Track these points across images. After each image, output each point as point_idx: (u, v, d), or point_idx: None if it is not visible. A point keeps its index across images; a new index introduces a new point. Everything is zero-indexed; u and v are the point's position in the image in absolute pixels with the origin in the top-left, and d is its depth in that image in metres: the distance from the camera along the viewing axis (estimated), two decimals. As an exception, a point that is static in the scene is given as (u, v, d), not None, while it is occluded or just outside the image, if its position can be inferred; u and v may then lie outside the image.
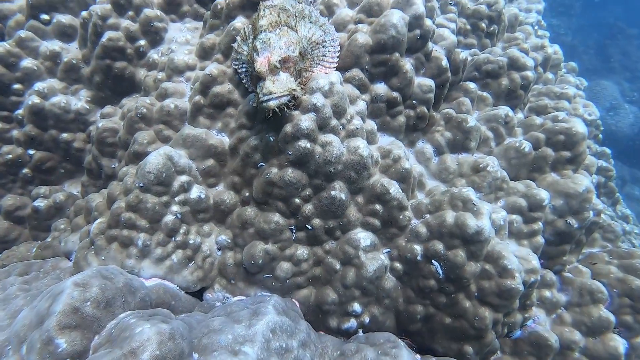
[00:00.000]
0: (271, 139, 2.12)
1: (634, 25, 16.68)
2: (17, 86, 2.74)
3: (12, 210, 2.85)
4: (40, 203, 2.71)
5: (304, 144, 1.99)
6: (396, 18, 2.18)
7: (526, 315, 2.37)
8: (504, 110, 2.57)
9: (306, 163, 2.04)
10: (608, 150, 4.85)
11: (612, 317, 2.33)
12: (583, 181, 2.37)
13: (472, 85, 2.68)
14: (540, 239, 2.33)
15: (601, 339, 2.33)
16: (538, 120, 2.62)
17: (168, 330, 1.57)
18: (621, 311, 2.50)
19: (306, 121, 1.98)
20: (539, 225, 2.32)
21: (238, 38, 2.33)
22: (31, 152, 2.82)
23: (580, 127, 2.46)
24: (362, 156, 2.06)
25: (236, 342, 1.73)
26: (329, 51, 2.21)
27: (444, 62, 2.39)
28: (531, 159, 2.52)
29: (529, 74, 2.80)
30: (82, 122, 2.83)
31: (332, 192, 2.09)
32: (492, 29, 3.21)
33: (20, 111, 2.77)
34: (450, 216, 2.06)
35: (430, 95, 2.38)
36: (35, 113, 2.71)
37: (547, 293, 2.45)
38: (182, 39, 2.78)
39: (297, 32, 2.12)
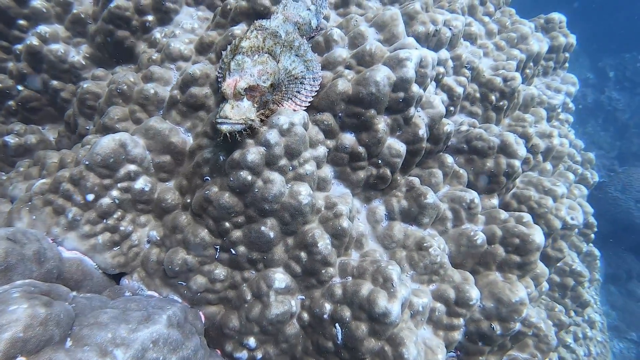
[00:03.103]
0: (221, 158, 2.13)
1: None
2: (22, 22, 2.81)
3: (-10, 135, 2.96)
4: (11, 140, 2.80)
5: (244, 174, 1.99)
6: (380, 76, 2.12)
7: (421, 401, 2.34)
8: (471, 195, 2.50)
9: (244, 193, 2.05)
10: (597, 252, 4.68)
11: None
12: (520, 292, 2.30)
13: (449, 160, 2.61)
14: (456, 335, 2.28)
15: None
16: (503, 215, 2.54)
17: (43, 315, 1.62)
18: None
19: (253, 154, 1.97)
20: (460, 321, 2.27)
21: (228, 48, 2.32)
22: (20, 88, 2.91)
23: (538, 238, 2.37)
24: (301, 203, 2.05)
25: (113, 342, 1.77)
26: (305, 89, 2.19)
27: (421, 132, 2.33)
28: (481, 252, 2.45)
29: (516, 163, 2.71)
30: (75, 75, 2.89)
31: (262, 228, 2.09)
32: (501, 103, 3.10)
33: (19, 46, 2.85)
34: (366, 289, 2.03)
35: (397, 160, 2.33)
36: (31, 54, 2.78)
37: (450, 387, 2.41)
38: (189, 26, 2.79)
39: (278, 61, 2.10)
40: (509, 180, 2.78)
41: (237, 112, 1.91)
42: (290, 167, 2.09)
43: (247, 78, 1.94)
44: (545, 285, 2.74)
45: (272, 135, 2.00)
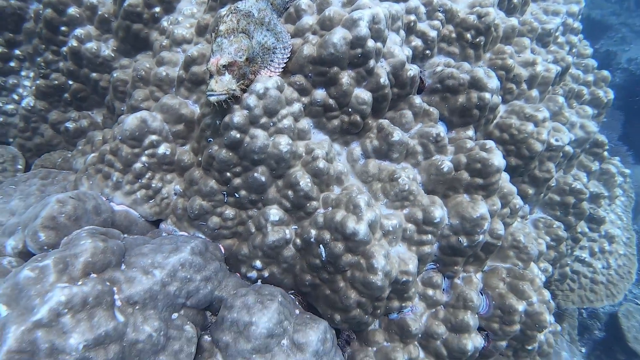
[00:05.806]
0: (217, 122, 2.66)
1: None
2: (63, 28, 3.47)
3: (55, 122, 3.74)
4: (70, 125, 3.56)
5: (234, 134, 2.52)
6: (336, 38, 2.49)
7: (403, 304, 2.85)
8: (436, 130, 2.84)
9: (237, 148, 2.58)
10: (613, 169, 4.73)
11: (471, 322, 2.76)
12: (480, 209, 2.67)
13: (417, 100, 2.93)
14: (427, 249, 2.73)
15: (459, 336, 2.78)
16: (469, 144, 2.85)
17: (102, 247, 2.31)
18: (492, 320, 2.91)
19: (237, 117, 2.48)
20: (428, 237, 2.71)
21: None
22: (70, 82, 3.61)
23: (496, 161, 2.69)
24: (282, 152, 2.55)
25: (152, 265, 2.45)
26: (277, 57, 2.62)
27: (382, 80, 2.68)
28: (449, 179, 2.82)
29: (487, 95, 2.96)
30: (108, 67, 3.53)
31: (255, 174, 2.64)
32: (477, 40, 3.28)
33: (65, 48, 3.52)
34: (339, 215, 2.53)
35: (364, 107, 2.71)
36: (73, 53, 3.44)
37: (430, 292, 2.90)
38: (188, 11, 3.27)
39: (252, 38, 2.54)
40: (482, 112, 3.05)
41: (221, 85, 2.41)
42: (271, 124, 2.58)
43: (225, 56, 2.42)
44: (517, 203, 3.06)
45: (251, 100, 2.49)
